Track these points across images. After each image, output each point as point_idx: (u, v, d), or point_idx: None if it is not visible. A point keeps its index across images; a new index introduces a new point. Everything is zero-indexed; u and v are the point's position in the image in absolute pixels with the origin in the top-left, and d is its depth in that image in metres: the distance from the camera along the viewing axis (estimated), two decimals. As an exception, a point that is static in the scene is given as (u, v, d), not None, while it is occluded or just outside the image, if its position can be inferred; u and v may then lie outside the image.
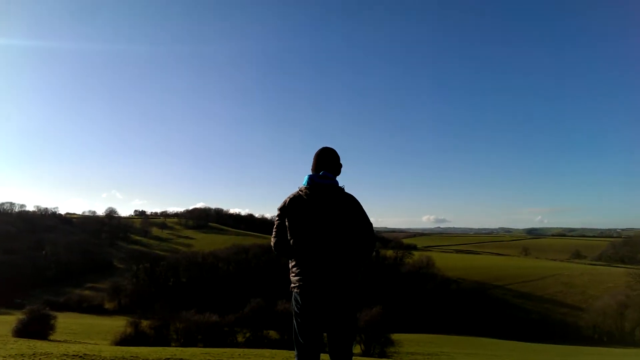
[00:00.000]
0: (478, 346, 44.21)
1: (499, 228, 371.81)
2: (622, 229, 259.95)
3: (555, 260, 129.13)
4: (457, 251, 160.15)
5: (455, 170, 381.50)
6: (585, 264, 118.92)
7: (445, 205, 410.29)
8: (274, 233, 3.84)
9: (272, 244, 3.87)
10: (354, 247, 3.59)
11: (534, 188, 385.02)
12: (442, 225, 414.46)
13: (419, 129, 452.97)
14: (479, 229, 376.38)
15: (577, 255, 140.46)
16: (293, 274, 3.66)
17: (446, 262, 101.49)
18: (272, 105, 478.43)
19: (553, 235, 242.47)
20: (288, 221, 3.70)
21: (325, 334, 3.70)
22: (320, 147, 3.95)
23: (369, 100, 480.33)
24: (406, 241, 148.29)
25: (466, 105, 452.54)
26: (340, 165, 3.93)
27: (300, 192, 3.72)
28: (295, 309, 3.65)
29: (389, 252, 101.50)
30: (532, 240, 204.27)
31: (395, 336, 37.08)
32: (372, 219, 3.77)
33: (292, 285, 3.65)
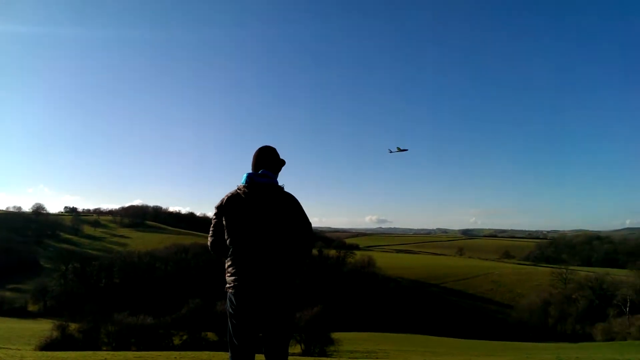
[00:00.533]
0: (414, 343, 45.75)
1: (437, 229, 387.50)
2: (548, 231, 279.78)
3: (487, 259, 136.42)
4: (397, 251, 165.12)
5: (397, 171, 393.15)
6: (514, 263, 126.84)
7: (387, 205, 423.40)
8: (210, 232, 3.79)
9: (208, 243, 3.83)
10: (291, 246, 3.57)
11: (469, 190, 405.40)
12: (384, 226, 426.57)
13: (362, 132, 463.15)
14: (418, 229, 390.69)
15: (507, 255, 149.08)
16: (228, 274, 3.58)
17: (387, 261, 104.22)
18: (216, 104, 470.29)
19: (485, 236, 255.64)
20: (225, 220, 3.63)
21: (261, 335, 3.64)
22: (261, 145, 3.89)
23: (300, 102, 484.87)
24: (349, 241, 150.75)
25: (408, 110, 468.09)
26: (281, 163, 3.87)
27: (238, 191, 3.65)
28: (230, 310, 3.56)
29: (332, 252, 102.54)
30: (466, 240, 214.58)
31: (335, 335, 37.68)
32: (315, 219, 3.82)
33: (227, 285, 3.57)
